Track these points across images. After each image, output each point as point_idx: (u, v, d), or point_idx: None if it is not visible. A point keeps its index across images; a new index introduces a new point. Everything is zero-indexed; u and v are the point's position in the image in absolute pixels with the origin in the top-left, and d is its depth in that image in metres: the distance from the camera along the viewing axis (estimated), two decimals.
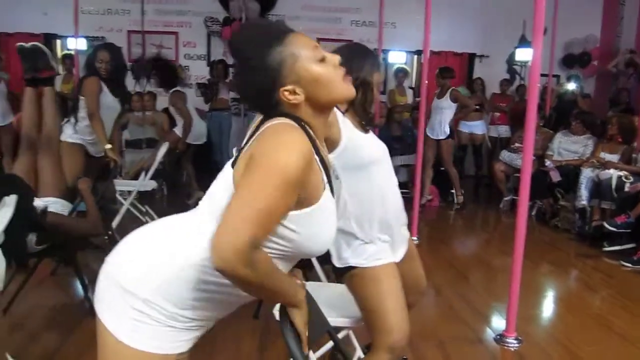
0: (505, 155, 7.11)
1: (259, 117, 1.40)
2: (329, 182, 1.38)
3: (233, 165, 1.32)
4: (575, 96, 8.33)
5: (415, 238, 5.09)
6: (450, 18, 8.41)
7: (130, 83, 5.86)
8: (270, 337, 3.18)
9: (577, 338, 3.37)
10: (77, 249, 3.64)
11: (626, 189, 5.36)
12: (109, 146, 4.24)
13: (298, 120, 1.32)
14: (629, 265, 4.79)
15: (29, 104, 3.62)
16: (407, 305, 2.12)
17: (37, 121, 3.60)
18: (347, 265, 2.09)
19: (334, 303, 2.28)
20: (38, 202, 3.16)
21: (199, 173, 6.67)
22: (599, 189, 5.58)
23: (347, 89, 1.38)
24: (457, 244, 6.01)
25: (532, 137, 3.18)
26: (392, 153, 7.55)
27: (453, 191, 7.29)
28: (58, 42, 8.71)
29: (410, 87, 8.91)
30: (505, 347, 3.22)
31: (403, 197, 2.27)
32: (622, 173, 5.48)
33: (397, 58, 8.95)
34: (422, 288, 2.42)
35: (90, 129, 4.22)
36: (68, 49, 8.31)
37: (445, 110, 6.76)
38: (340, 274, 2.14)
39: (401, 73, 8.42)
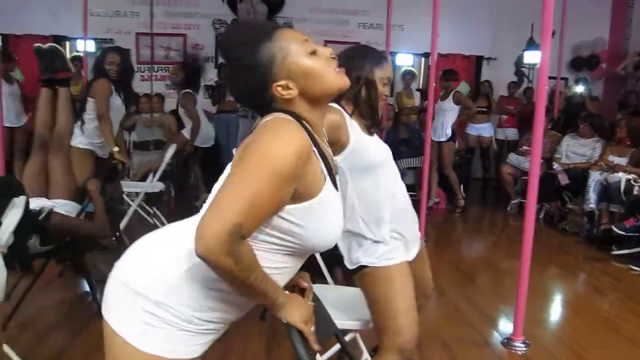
0: (513, 158, 7.08)
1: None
2: (331, 175, 1.36)
3: None
4: (583, 99, 8.31)
5: (422, 240, 5.08)
6: (458, 20, 8.38)
7: (136, 85, 5.87)
8: (277, 339, 3.18)
9: (585, 342, 3.35)
10: (85, 250, 3.65)
11: (635, 192, 5.32)
12: (116, 149, 4.26)
13: (294, 115, 1.31)
14: (638, 269, 4.76)
15: (45, 105, 3.64)
16: None
17: (51, 122, 3.61)
18: (359, 264, 2.08)
19: (342, 305, 2.27)
20: (46, 203, 3.18)
21: (207, 175, 6.68)
22: (607, 192, 5.55)
23: (340, 80, 1.36)
24: (464, 246, 6.00)
25: (540, 139, 3.17)
26: (400, 156, 7.51)
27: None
28: (67, 44, 8.75)
29: (418, 90, 8.91)
30: (513, 351, 3.21)
31: (410, 199, 2.27)
32: (630, 176, 5.45)
33: (404, 60, 8.94)
34: (428, 291, 2.42)
35: (99, 131, 4.25)
36: (77, 51, 8.36)
37: (448, 112, 6.76)
38: (353, 275, 2.14)
39: (409, 75, 8.42)
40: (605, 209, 5.56)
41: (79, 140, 4.20)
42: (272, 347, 3.14)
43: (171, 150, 5.48)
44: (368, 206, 2.07)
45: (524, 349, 3.21)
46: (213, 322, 1.35)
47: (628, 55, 8.91)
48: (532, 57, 8.33)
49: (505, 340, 3.29)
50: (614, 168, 5.69)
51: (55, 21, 8.38)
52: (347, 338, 2.24)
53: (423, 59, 9.22)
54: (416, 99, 8.46)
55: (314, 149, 1.30)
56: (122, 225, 4.79)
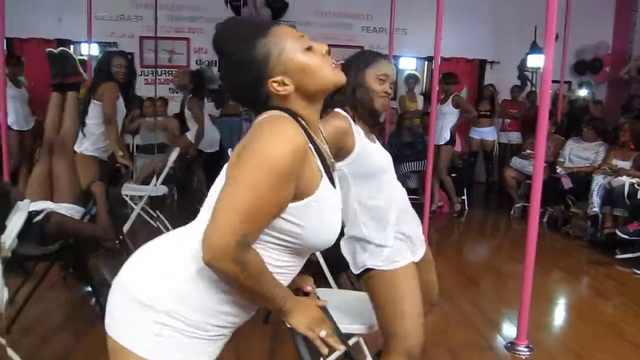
0: (516, 161, 7.06)
1: None
2: (328, 172, 1.35)
3: None
4: (586, 103, 8.30)
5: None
6: (461, 24, 8.38)
7: (140, 89, 5.89)
8: (280, 342, 3.17)
9: (588, 346, 3.34)
10: (89, 252, 3.65)
11: (639, 196, 5.31)
12: (121, 153, 4.28)
13: (289, 112, 1.30)
14: None
15: (55, 109, 3.65)
16: None
17: (60, 126, 3.63)
18: (365, 268, 2.08)
19: (345, 309, 2.27)
20: (51, 206, 3.19)
21: (210, 179, 6.65)
22: (611, 196, 5.55)
23: (336, 75, 1.34)
24: (467, 250, 5.99)
25: (544, 143, 3.17)
26: (403, 159, 7.48)
27: (464, 197, 7.27)
28: (71, 47, 8.77)
29: (421, 94, 8.90)
30: (516, 355, 3.20)
31: (413, 203, 2.28)
32: (634, 180, 5.43)
33: (407, 64, 8.97)
34: (434, 297, 2.38)
35: (105, 136, 4.27)
36: (81, 55, 8.38)
37: (447, 115, 6.74)
38: (359, 279, 2.14)
39: (412, 79, 8.43)
40: (609, 213, 5.55)
41: (85, 147, 4.22)
42: (274, 350, 3.13)
43: (174, 154, 5.49)
44: (371, 211, 2.07)
45: (528, 353, 3.21)
46: (224, 327, 1.33)
47: (631, 59, 8.91)
48: (535, 60, 8.32)
49: (509, 345, 3.28)
50: (618, 172, 5.68)
51: (60, 25, 8.41)
52: (351, 342, 2.24)
53: (426, 62, 9.21)
54: (419, 103, 8.46)
55: (310, 145, 1.29)
56: (126, 228, 4.80)
